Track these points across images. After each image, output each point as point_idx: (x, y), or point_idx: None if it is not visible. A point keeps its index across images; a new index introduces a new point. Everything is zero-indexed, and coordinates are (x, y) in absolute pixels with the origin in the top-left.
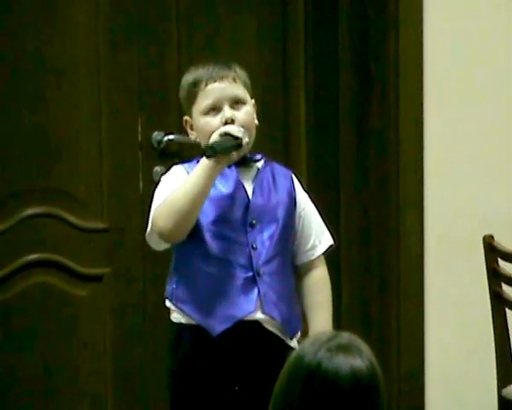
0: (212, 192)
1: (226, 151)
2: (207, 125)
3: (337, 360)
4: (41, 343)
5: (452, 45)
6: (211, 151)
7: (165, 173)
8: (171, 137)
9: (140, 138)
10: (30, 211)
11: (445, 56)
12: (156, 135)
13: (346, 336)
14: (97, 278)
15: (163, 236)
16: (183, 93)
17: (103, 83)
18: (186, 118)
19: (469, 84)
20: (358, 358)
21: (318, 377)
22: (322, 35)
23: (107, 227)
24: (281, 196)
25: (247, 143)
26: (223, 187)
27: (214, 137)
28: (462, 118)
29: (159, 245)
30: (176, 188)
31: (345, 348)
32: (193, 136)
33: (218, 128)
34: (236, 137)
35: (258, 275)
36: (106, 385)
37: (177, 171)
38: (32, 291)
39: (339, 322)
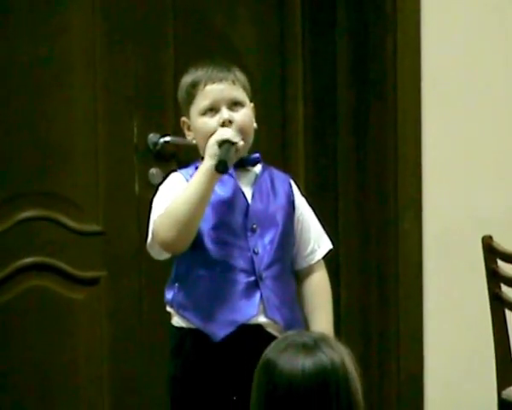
0: (212, 198)
1: (232, 159)
2: (205, 126)
3: (296, 361)
4: (37, 347)
5: (450, 47)
6: (223, 166)
7: (162, 181)
8: (166, 138)
9: (135, 140)
10: (25, 214)
11: (443, 59)
12: (152, 137)
13: (307, 335)
14: (94, 282)
15: (166, 247)
16: (181, 94)
17: (99, 85)
18: (183, 119)
19: (467, 86)
20: (321, 355)
21: (279, 380)
22: (320, 39)
23: (103, 230)
24: (280, 201)
25: (243, 146)
26: (222, 192)
27: (214, 149)
28: (460, 119)
29: (160, 255)
30: (176, 197)
31: (306, 348)
32: (190, 136)
33: (215, 129)
34: (233, 142)
35: (261, 279)
36: (102, 388)
37: (175, 178)
38: (28, 295)
39: (338, 325)
